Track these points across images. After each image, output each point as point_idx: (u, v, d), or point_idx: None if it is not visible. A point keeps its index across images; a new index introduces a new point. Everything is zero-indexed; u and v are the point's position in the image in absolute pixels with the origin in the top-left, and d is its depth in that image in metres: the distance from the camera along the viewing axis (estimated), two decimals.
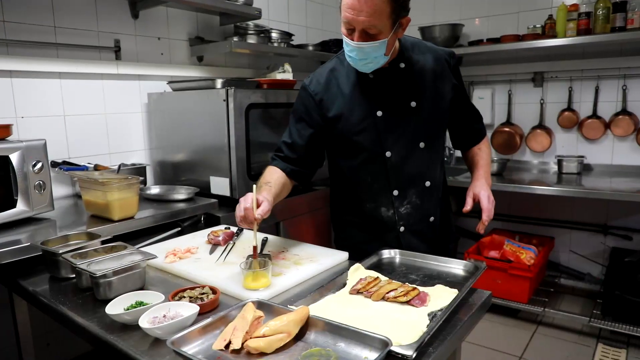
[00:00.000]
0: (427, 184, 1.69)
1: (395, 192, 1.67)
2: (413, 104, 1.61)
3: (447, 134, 1.82)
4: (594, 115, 3.36)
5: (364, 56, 1.48)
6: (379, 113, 1.60)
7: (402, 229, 1.70)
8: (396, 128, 1.61)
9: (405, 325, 1.09)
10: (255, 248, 1.40)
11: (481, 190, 1.65)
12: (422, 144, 1.64)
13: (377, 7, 1.37)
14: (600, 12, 3.02)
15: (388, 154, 1.62)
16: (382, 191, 1.68)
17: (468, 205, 1.63)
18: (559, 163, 3.40)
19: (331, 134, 1.67)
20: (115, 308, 1.15)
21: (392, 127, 1.61)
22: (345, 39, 1.48)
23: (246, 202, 1.42)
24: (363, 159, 1.67)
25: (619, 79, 3.26)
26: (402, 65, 1.61)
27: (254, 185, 1.48)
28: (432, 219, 1.73)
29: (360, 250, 1.62)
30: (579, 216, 3.52)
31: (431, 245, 1.73)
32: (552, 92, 3.53)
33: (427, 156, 1.67)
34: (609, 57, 3.24)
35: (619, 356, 2.79)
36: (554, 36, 3.22)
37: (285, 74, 2.98)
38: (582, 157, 3.37)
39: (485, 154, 1.81)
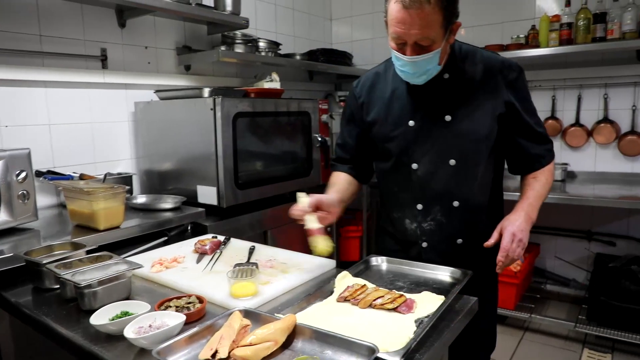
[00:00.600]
0: (456, 203, 1.56)
1: (419, 206, 1.61)
2: (447, 117, 1.51)
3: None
4: (577, 123, 3.42)
5: (417, 69, 1.42)
6: (411, 123, 1.55)
7: (424, 244, 1.64)
8: (426, 141, 1.54)
9: (392, 332, 1.10)
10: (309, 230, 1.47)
11: (509, 225, 1.44)
12: (452, 161, 1.53)
13: (429, 18, 1.31)
14: (581, 22, 3.08)
15: (414, 166, 1.57)
16: (407, 203, 1.64)
17: (491, 239, 1.46)
18: None
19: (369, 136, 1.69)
20: (100, 318, 1.14)
21: (422, 140, 1.55)
22: (396, 54, 1.42)
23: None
24: (391, 167, 1.65)
25: (601, 88, 3.32)
26: (446, 76, 1.52)
27: (298, 193, 1.55)
28: (459, 241, 1.60)
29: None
30: (563, 223, 3.56)
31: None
32: (536, 100, 3.46)
33: (458, 175, 1.54)
34: (590, 66, 3.31)
35: None
36: (537, 46, 3.28)
37: (272, 83, 3.00)
38: (566, 164, 3.42)
39: (539, 185, 1.56)
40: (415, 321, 1.15)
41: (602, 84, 3.30)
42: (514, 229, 1.42)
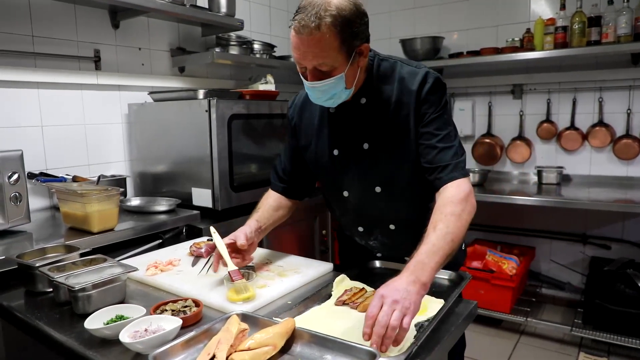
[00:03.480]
0: (392, 227, 1.56)
1: (360, 229, 1.62)
2: (366, 145, 1.46)
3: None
4: (572, 126, 3.43)
5: (321, 94, 1.36)
6: (335, 152, 1.52)
7: (379, 254, 1.67)
8: (351, 170, 1.52)
9: None
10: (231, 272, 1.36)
11: (381, 288, 1.08)
12: (378, 189, 1.49)
13: (322, 44, 1.24)
14: (576, 26, 3.09)
15: (345, 193, 1.56)
16: (350, 224, 1.66)
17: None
18: (539, 174, 3.45)
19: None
20: (95, 322, 1.11)
21: (348, 169, 1.52)
22: (302, 78, 1.38)
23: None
24: (326, 193, 1.66)
25: (595, 92, 3.33)
26: (364, 100, 1.45)
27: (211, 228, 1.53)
28: (407, 259, 1.50)
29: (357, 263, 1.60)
30: (558, 226, 3.57)
31: None
32: (531, 104, 3.59)
33: (386, 200, 1.50)
34: (585, 70, 3.32)
35: None
36: (532, 49, 3.28)
37: (267, 85, 2.98)
38: (561, 167, 3.43)
39: (436, 236, 1.21)
40: (415, 325, 1.13)
41: (596, 88, 3.31)
42: (384, 291, 1.06)
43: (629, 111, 3.23)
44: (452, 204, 1.28)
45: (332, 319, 1.19)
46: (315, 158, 1.58)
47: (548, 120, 3.51)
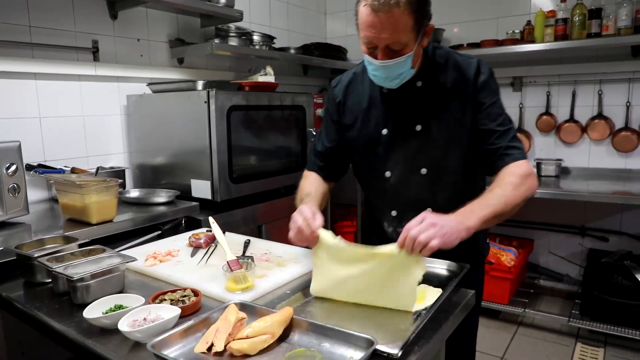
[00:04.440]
0: (429, 211, 1.59)
1: (394, 213, 1.61)
2: (418, 127, 1.50)
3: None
4: (571, 119, 3.42)
5: (390, 73, 1.39)
6: (384, 131, 1.54)
7: None
8: (398, 150, 1.54)
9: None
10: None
11: (428, 215, 1.20)
12: (424, 170, 1.52)
13: (400, 22, 1.28)
14: (577, 18, 3.09)
15: (387, 174, 1.57)
16: (382, 208, 1.65)
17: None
18: (538, 166, 3.45)
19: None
20: (94, 312, 1.12)
21: (395, 149, 1.54)
22: (368, 58, 1.40)
23: (303, 214, 1.31)
24: (365, 174, 1.66)
25: (595, 84, 3.33)
26: (419, 83, 1.49)
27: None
28: None
29: None
30: (557, 218, 3.57)
31: None
32: (531, 96, 3.58)
33: (430, 183, 1.53)
34: (585, 62, 3.31)
35: (597, 355, 2.84)
36: (532, 41, 3.27)
37: (267, 76, 2.97)
38: (560, 160, 3.43)
39: (492, 195, 1.32)
40: (414, 313, 1.14)
41: (596, 80, 3.31)
42: (427, 214, 1.19)
43: (628, 104, 3.23)
44: (512, 175, 1.36)
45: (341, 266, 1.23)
46: (359, 137, 1.60)
47: (547, 112, 3.51)
